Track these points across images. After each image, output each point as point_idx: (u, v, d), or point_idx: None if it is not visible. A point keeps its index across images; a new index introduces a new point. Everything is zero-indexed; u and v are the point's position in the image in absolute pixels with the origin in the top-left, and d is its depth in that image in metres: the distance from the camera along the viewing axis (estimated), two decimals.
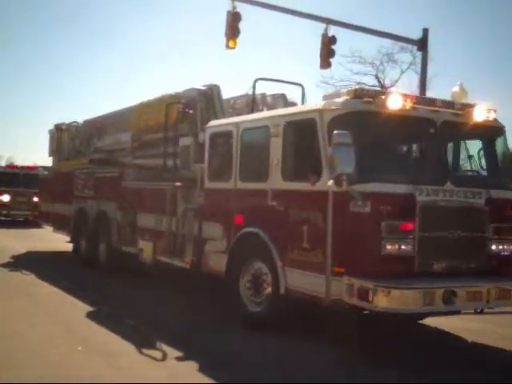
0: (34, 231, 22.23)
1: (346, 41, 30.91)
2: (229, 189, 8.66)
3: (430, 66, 20.12)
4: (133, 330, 7.87)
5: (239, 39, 15.47)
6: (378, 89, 7.01)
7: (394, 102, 6.89)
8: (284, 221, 7.49)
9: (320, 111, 7.07)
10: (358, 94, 7.00)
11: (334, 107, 6.98)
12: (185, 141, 10.54)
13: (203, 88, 10.62)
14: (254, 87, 9.95)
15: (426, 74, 19.71)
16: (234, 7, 16.02)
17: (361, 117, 6.86)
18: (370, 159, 6.78)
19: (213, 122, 9.52)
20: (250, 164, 8.44)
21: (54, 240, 17.90)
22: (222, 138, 9.10)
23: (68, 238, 16.39)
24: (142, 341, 7.21)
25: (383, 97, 6.93)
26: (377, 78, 34.82)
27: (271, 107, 11.06)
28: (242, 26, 15.47)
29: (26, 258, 15.59)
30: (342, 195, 6.61)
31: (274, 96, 11.35)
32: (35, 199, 22.92)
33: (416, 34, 19.26)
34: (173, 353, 6.82)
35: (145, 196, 11.18)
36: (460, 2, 41.66)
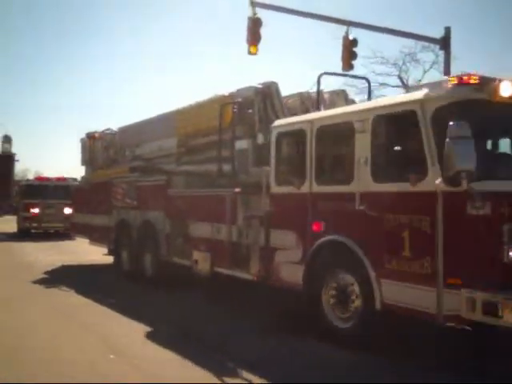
0: (66, 243, 21.50)
1: (367, 42, 30.15)
2: (302, 193, 7.81)
3: (453, 65, 19.37)
4: (210, 357, 6.96)
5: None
6: (484, 75, 6.29)
7: (506, 89, 6.03)
8: (377, 227, 6.63)
9: (422, 101, 6.20)
10: (464, 80, 6.13)
11: (438, 96, 6.12)
12: (242, 143, 9.73)
13: (261, 86, 9.80)
14: (318, 83, 9.10)
15: (450, 72, 18.90)
16: (255, 13, 16.00)
17: (470, 106, 6.00)
18: (483, 154, 5.91)
19: (279, 122, 8.68)
20: (329, 165, 7.61)
21: (88, 252, 17.15)
22: (292, 138, 8.27)
23: (105, 251, 15.68)
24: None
25: (493, 83, 6.06)
26: (400, 78, 34.00)
27: (330, 105, 10.22)
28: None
29: (62, 272, 14.78)
30: (456, 196, 5.75)
31: (332, 92, 10.51)
32: (66, 211, 22.70)
33: (438, 33, 18.85)
34: None
35: (198, 204, 10.35)
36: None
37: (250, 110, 9.61)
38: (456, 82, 6.12)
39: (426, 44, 25.70)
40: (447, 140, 5.58)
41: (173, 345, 7.27)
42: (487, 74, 6.18)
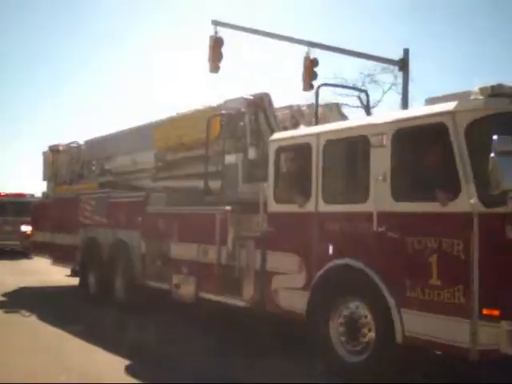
0: (24, 262, 20.23)
1: (329, 63, 30.08)
2: (307, 212, 7.14)
3: (411, 86, 19.37)
4: None
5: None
6: None
7: None
8: (399, 250, 6.00)
9: (453, 113, 5.64)
10: (496, 91, 5.62)
11: (473, 108, 5.58)
12: (231, 158, 9.03)
13: (252, 97, 9.15)
14: (317, 94, 8.54)
15: (408, 93, 18.89)
16: (216, 32, 16.05)
17: (508, 118, 5.48)
18: None
19: (279, 135, 8.03)
20: (338, 182, 6.98)
21: (50, 273, 16.06)
22: (295, 153, 7.63)
23: (68, 271, 14.65)
24: None
25: None
26: (359, 98, 34.11)
27: (323, 118, 9.63)
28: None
29: (22, 295, 13.69)
30: (495, 218, 5.20)
31: (325, 106, 9.94)
32: (23, 228, 21.32)
33: (398, 55, 18.93)
34: None
35: (182, 223, 9.54)
36: (440, 21, 41.37)
37: (242, 123, 8.94)
38: (490, 93, 5.60)
39: (386, 65, 25.93)
40: (492, 156, 5.02)
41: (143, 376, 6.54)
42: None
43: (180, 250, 9.51)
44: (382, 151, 6.26)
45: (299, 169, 7.53)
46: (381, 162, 6.26)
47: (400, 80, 21.02)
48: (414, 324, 5.84)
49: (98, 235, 12.12)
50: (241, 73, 42.51)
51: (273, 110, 9.00)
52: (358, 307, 6.51)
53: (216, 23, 16.35)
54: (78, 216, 13.07)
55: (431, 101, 6.38)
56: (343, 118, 9.58)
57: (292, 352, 7.77)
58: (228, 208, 8.55)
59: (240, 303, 8.14)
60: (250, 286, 7.95)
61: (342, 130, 6.91)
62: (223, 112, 9.33)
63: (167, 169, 11.19)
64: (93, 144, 14.30)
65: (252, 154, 8.81)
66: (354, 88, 8.86)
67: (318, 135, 7.10)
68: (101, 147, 13.84)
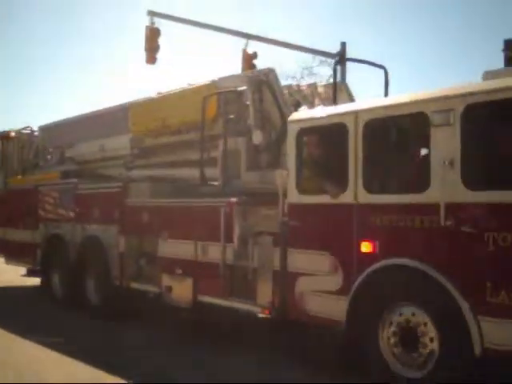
0: None
1: (269, 55, 29.12)
2: (343, 204, 6.03)
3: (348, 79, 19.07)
4: None
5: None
6: None
7: None
8: (475, 248, 4.99)
9: None
10: None
11: None
12: (231, 143, 7.81)
13: (256, 74, 7.95)
14: (335, 70, 7.44)
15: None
16: (153, 23, 15.71)
17: None
18: None
19: (301, 115, 6.88)
20: (386, 169, 5.88)
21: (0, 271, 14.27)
22: (323, 135, 6.48)
23: (24, 271, 12.99)
24: None
25: None
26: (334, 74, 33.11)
27: (326, 99, 8.57)
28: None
29: None
30: None
31: (329, 86, 8.82)
32: None
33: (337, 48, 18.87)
34: None
35: (174, 217, 8.24)
36: (378, 15, 41.03)
37: (248, 102, 7.71)
38: None
39: (323, 58, 25.37)
40: None
41: None
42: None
43: (171, 248, 8.22)
44: (447, 131, 5.20)
45: (330, 154, 6.42)
46: (446, 144, 5.21)
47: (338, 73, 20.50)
48: (499, 334, 4.86)
49: (64, 231, 10.59)
50: (180, 64, 40.99)
51: (280, 88, 7.82)
52: (414, 314, 5.47)
53: (152, 13, 15.86)
54: (36, 210, 11.48)
55: (491, 74, 5.39)
56: (351, 99, 8.50)
57: (327, 365, 6.69)
58: (234, 199, 7.34)
59: (254, 309, 6.98)
60: (267, 289, 6.78)
61: (390, 107, 5.81)
62: (221, 90, 8.08)
63: (145, 156, 9.82)
64: (50, 130, 12.67)
65: (257, 137, 7.61)
66: (372, 64, 7.88)
67: (356, 114, 5.98)
68: (60, 133, 12.24)
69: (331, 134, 6.31)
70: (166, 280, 8.25)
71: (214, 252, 7.49)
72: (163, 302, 8.32)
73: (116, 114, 10.34)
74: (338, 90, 8.40)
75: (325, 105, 8.21)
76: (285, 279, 6.59)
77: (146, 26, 15.51)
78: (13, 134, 13.73)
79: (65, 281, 10.61)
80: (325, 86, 8.75)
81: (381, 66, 7.89)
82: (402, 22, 43.36)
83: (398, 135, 5.88)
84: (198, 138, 8.46)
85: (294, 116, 6.81)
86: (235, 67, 17.66)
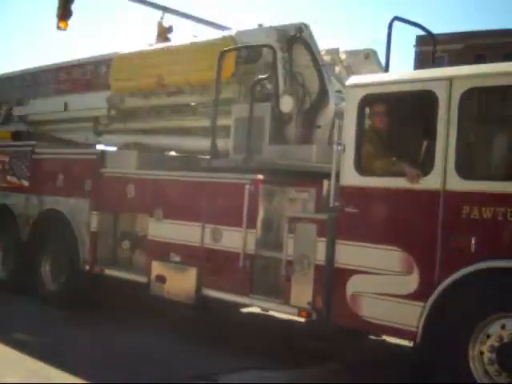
0: None
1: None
2: (426, 190, 4.85)
3: None
4: None
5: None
6: None
7: None
8: None
9: None
10: None
11: None
12: (256, 110, 6.44)
13: (286, 28, 6.60)
14: (390, 29, 6.21)
15: None
16: None
17: None
18: None
19: (367, 78, 5.64)
20: (489, 149, 4.77)
21: None
22: (399, 104, 5.26)
23: None
24: None
25: None
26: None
27: (346, 67, 7.37)
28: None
29: None
30: None
31: (354, 53, 7.54)
32: None
33: None
34: None
35: (174, 194, 6.74)
36: None
37: (269, 62, 6.37)
38: None
39: None
40: None
41: None
42: None
43: (167, 230, 6.73)
44: None
45: (407, 127, 5.22)
46: None
47: None
48: None
49: (13, 202, 8.75)
50: (92, 33, 38.52)
51: (317, 46, 6.51)
52: None
53: None
54: None
55: None
56: (381, 68, 7.32)
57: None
58: (259, 177, 6.00)
59: (287, 310, 5.68)
60: (306, 287, 5.49)
61: (500, 74, 4.69)
62: (242, 45, 6.69)
63: (123, 119, 8.21)
64: None
65: (287, 104, 6.31)
66: (424, 28, 6.88)
67: (451, 81, 4.80)
68: (7, 87, 10.29)
69: (411, 103, 5.13)
70: (158, 268, 6.77)
71: (230, 238, 6.12)
72: (151, 293, 6.83)
73: (90, 67, 8.65)
74: (356, 58, 7.29)
75: (349, 74, 7.00)
76: (332, 276, 5.36)
77: None
78: None
79: (12, 262, 8.79)
80: (349, 52, 7.50)
81: (431, 33, 6.79)
82: None
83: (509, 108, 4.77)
84: (203, 102, 7.10)
85: (356, 80, 5.56)
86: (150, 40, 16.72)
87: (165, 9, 16.40)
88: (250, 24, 7.40)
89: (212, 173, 6.41)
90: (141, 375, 5.34)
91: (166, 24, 16.01)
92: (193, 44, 7.08)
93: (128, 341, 6.44)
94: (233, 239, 6.09)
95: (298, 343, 6.61)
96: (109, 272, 7.36)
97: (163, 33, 15.80)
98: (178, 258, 6.61)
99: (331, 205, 5.38)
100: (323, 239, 5.42)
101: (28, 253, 8.40)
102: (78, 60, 8.97)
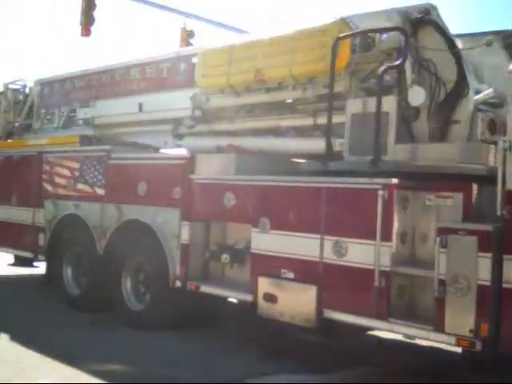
0: None
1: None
2: None
3: None
4: None
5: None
6: None
7: None
8: None
9: None
10: None
11: None
12: (371, 104, 5.58)
13: (409, 9, 5.72)
14: None
15: None
16: None
17: None
18: None
19: None
20: None
21: None
22: None
23: (11, 259, 10.32)
24: None
25: None
26: None
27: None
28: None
29: None
30: None
31: (473, 39, 6.58)
32: None
33: None
34: None
35: (284, 202, 5.88)
36: None
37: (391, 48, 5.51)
38: None
39: None
40: None
41: None
42: None
43: (276, 243, 5.88)
44: None
45: None
46: None
47: None
48: None
49: (85, 213, 7.98)
50: (117, 39, 37.89)
51: (448, 29, 5.61)
52: None
53: None
54: (40, 183, 8.80)
55: None
56: (506, 57, 6.37)
57: None
58: (394, 181, 5.13)
59: (441, 338, 4.78)
60: (466, 312, 4.60)
61: None
62: (362, 30, 5.84)
63: (209, 120, 7.38)
64: (52, 85, 9.91)
65: (418, 96, 5.43)
66: None
67: None
68: (68, 89, 9.56)
69: None
70: (266, 286, 5.93)
71: (357, 252, 5.26)
72: (258, 314, 5.99)
73: (166, 64, 7.86)
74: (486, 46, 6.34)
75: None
76: (500, 299, 4.48)
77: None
78: None
79: (85, 278, 8.02)
80: (466, 38, 6.56)
81: None
82: None
83: None
84: (307, 97, 6.27)
85: None
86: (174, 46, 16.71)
87: (187, 15, 16.91)
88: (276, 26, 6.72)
89: (333, 177, 5.54)
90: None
91: (188, 29, 16.71)
92: (297, 32, 6.20)
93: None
94: (362, 253, 5.23)
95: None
96: (205, 289, 6.54)
97: (186, 38, 16.52)
98: (291, 275, 5.77)
99: (498, 213, 4.49)
100: (487, 254, 4.54)
101: (105, 268, 7.63)
102: (152, 57, 8.19)
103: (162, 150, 7.95)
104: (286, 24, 6.96)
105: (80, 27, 14.52)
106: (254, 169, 6.34)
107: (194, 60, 7.39)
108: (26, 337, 6.42)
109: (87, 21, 14.50)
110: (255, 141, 6.91)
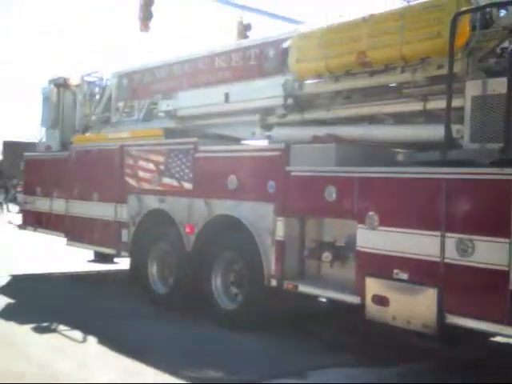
0: None
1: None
2: None
3: None
4: None
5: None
6: None
7: None
8: None
9: None
10: None
11: None
12: (500, 86, 4.95)
13: None
14: None
15: None
16: None
17: None
18: None
19: None
20: None
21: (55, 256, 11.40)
22: None
23: (91, 255, 10.19)
24: None
25: None
26: None
27: None
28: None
29: (42, 290, 8.83)
30: None
31: None
32: None
33: None
34: None
35: (394, 196, 5.35)
36: None
37: None
38: None
39: None
40: None
41: None
42: None
43: (386, 241, 5.34)
44: None
45: None
46: None
47: None
48: None
49: (172, 208, 7.66)
50: (174, 34, 38.11)
51: None
52: None
53: None
54: (122, 177, 8.55)
55: None
56: None
57: None
58: None
59: None
60: None
61: None
62: (481, 5, 5.22)
63: (302, 108, 6.90)
64: (131, 76, 9.65)
65: None
66: None
67: None
68: (148, 80, 9.27)
69: None
70: (376, 287, 5.42)
71: (487, 251, 4.67)
72: (367, 317, 5.49)
73: (254, 50, 7.42)
74: None
75: None
76: None
77: None
78: (73, 81, 10.71)
79: (172, 275, 7.72)
80: None
81: None
82: None
83: None
84: (416, 80, 5.69)
85: None
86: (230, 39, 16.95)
87: (244, 7, 17.28)
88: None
89: (457, 167, 4.96)
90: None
91: (244, 22, 17.04)
92: (407, 9, 5.63)
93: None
94: (492, 253, 4.64)
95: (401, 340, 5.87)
96: (304, 289, 6.09)
97: (242, 31, 16.79)
98: (404, 276, 5.23)
99: None
100: None
101: (193, 265, 7.29)
102: (238, 44, 7.78)
103: (250, 142, 7.54)
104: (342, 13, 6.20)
105: (138, 22, 15.10)
106: (355, 160, 5.82)
107: (285, 45, 6.96)
108: (97, 329, 6.46)
109: (146, 16, 15.02)
110: (353, 129, 6.39)
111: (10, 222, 19.58)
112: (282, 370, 5.41)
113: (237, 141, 7.68)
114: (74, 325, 6.60)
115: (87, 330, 6.43)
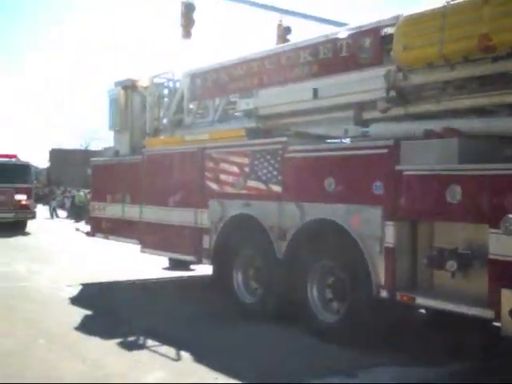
0: (29, 241, 14.84)
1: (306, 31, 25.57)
2: None
3: None
4: None
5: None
6: None
7: None
8: None
9: None
10: None
11: None
12: None
13: None
14: None
15: None
16: None
17: None
18: None
19: None
20: None
21: (120, 262, 10.99)
22: None
23: (166, 263, 9.72)
24: None
25: None
26: None
27: None
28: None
29: (115, 304, 8.26)
30: None
31: None
32: (18, 197, 18.09)
33: None
34: None
35: None
36: None
37: None
38: None
39: None
40: None
41: None
42: None
43: None
44: None
45: None
46: None
47: None
48: None
49: (259, 213, 7.06)
50: (215, 39, 37.87)
51: None
52: None
53: None
54: (203, 181, 8.01)
55: None
56: None
57: None
58: None
59: None
60: None
61: None
62: None
63: (405, 101, 6.20)
64: (204, 76, 9.08)
65: None
66: None
67: None
68: (225, 79, 8.68)
69: None
70: None
71: None
72: (503, 334, 4.77)
73: (345, 41, 6.75)
74: None
75: None
76: None
77: (182, 2, 14.88)
78: (142, 82, 10.25)
79: (261, 284, 7.13)
80: None
81: None
82: None
83: None
84: None
85: None
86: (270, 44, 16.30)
87: (284, 11, 16.75)
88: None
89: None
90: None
91: (284, 25, 16.42)
92: None
93: None
94: None
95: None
96: (423, 302, 5.42)
97: (282, 35, 16.22)
98: None
99: None
100: None
101: (286, 273, 6.69)
102: (326, 36, 7.12)
103: (344, 140, 6.90)
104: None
105: (181, 29, 14.83)
106: (479, 155, 5.10)
107: (385, 32, 6.29)
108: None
109: (187, 23, 14.84)
110: (469, 122, 5.67)
111: (78, 229, 19.48)
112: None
113: (329, 139, 7.05)
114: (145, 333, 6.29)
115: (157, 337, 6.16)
